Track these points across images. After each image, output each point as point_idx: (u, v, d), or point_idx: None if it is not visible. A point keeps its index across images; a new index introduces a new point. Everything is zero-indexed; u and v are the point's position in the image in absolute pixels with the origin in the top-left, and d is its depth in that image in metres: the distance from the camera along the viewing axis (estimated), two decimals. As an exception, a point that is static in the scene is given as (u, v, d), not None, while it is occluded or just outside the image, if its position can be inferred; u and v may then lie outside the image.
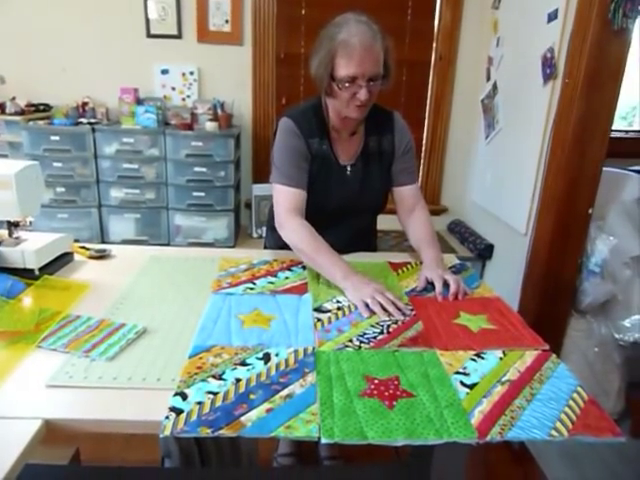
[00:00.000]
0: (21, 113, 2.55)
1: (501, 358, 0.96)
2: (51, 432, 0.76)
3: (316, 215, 1.40)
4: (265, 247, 1.65)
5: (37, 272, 1.23)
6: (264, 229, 1.76)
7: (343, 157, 1.44)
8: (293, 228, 1.32)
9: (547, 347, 1.00)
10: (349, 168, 1.44)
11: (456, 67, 2.82)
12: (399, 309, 1.12)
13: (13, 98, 2.58)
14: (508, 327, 1.08)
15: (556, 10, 1.93)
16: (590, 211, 1.91)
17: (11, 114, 2.52)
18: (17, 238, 1.27)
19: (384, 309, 1.11)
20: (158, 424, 0.74)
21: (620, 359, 2.04)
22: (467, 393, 0.85)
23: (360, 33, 1.23)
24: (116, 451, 1.80)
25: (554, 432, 0.77)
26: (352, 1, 2.67)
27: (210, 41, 2.72)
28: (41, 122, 2.54)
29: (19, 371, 0.87)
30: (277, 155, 1.39)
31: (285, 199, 1.35)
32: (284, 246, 1.41)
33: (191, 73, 2.78)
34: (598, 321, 2.05)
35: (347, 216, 1.46)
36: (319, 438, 0.73)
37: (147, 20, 2.69)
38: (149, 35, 2.71)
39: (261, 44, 2.71)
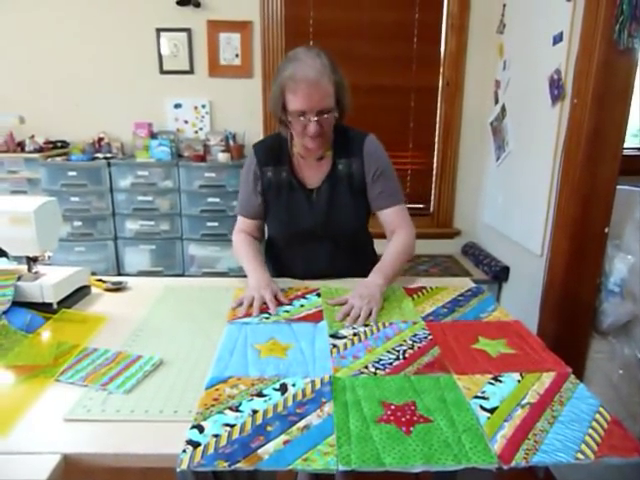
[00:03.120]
0: (40, 150, 2.62)
1: (519, 381, 0.94)
2: (69, 467, 0.75)
3: (290, 239, 1.52)
4: None
5: (55, 306, 1.24)
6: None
7: (310, 181, 1.48)
8: (235, 241, 1.52)
9: (570, 370, 0.98)
10: (315, 192, 1.47)
11: (464, 91, 2.85)
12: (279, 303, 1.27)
13: (32, 136, 2.65)
14: (528, 351, 1.06)
15: (561, 33, 1.95)
16: (606, 230, 1.89)
17: (30, 152, 2.60)
18: (36, 273, 1.29)
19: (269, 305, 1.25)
20: (175, 457, 0.73)
21: (646, 381, 1.99)
22: (488, 417, 0.83)
23: (306, 68, 1.28)
24: (133, 485, 1.78)
25: (580, 455, 0.75)
26: (358, 32, 2.77)
27: (221, 75, 2.80)
28: (59, 158, 2.61)
29: (38, 405, 0.87)
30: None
31: (238, 224, 1.55)
32: (283, 274, 1.54)
33: (203, 106, 2.84)
34: (621, 342, 2.00)
35: (320, 239, 1.48)
36: (337, 470, 0.72)
37: (160, 56, 2.77)
38: (162, 71, 2.79)
39: (270, 76, 2.76)
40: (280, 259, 1.61)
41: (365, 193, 1.48)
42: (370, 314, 1.21)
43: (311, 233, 1.47)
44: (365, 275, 1.39)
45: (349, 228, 1.50)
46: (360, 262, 1.54)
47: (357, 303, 1.23)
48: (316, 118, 1.30)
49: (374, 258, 1.66)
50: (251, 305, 1.26)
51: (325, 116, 1.31)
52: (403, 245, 1.44)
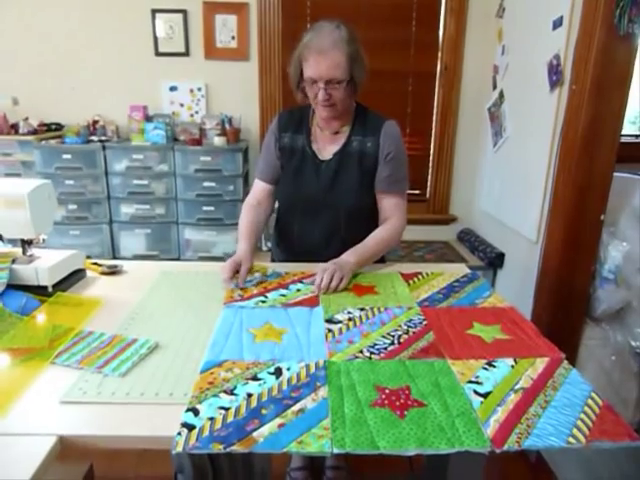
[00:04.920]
0: (34, 133, 2.59)
1: (513, 366, 0.95)
2: (65, 448, 0.76)
3: (292, 204, 1.56)
4: (272, 261, 1.71)
5: (50, 289, 1.24)
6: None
7: (323, 153, 1.51)
8: (242, 208, 1.58)
9: (563, 356, 0.99)
10: (325, 163, 1.50)
11: (462, 76, 2.83)
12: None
13: (26, 118, 2.62)
14: (522, 337, 1.07)
15: (561, 17, 1.93)
16: (602, 217, 1.89)
17: (24, 134, 2.57)
18: (31, 256, 1.29)
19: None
20: (171, 440, 0.73)
21: (637, 367, 2.01)
22: (481, 402, 0.84)
23: (322, 37, 1.34)
24: (129, 466, 1.80)
25: (571, 439, 0.76)
26: (356, 14, 2.73)
27: (217, 57, 2.76)
28: (53, 141, 2.58)
29: (33, 388, 0.87)
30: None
31: (252, 189, 1.62)
32: (289, 259, 1.59)
33: (199, 89, 2.81)
34: (614, 329, 2.02)
35: (320, 210, 1.50)
36: (332, 453, 0.72)
37: (155, 39, 2.73)
38: (157, 53, 2.76)
39: (267, 59, 2.74)
40: (282, 229, 1.65)
41: (374, 175, 1.50)
42: (341, 281, 1.29)
43: (313, 202, 1.50)
44: None
45: (351, 203, 1.51)
46: (352, 243, 1.54)
47: (327, 273, 1.29)
48: (324, 86, 1.34)
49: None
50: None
51: (335, 86, 1.35)
52: (390, 233, 1.49)
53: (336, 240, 1.51)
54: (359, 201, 1.51)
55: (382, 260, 1.63)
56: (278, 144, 1.53)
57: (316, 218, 1.52)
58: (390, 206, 1.52)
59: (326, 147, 1.52)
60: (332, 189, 1.49)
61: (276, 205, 1.64)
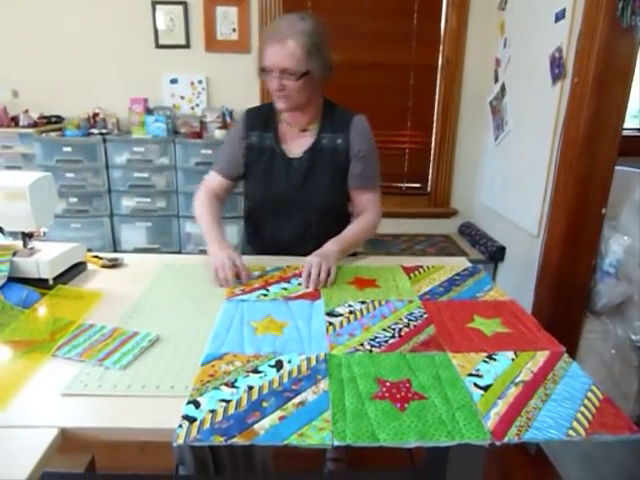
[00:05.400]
0: (34, 125, 2.59)
1: (513, 359, 0.95)
2: (67, 440, 0.76)
3: (264, 205, 1.55)
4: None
5: (51, 282, 1.24)
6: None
7: (292, 151, 1.50)
8: (198, 198, 1.54)
9: (564, 349, 0.99)
10: (295, 161, 1.49)
11: (463, 70, 2.81)
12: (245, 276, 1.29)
13: (26, 111, 2.62)
14: (523, 330, 1.07)
15: (564, 10, 1.92)
16: (603, 211, 1.89)
17: (24, 126, 2.56)
18: (31, 249, 1.29)
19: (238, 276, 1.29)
20: (172, 432, 0.74)
21: (638, 361, 2.01)
22: (482, 395, 0.84)
23: (282, 27, 1.33)
24: (131, 459, 1.81)
25: (571, 432, 0.76)
26: (358, 7, 2.72)
27: (218, 50, 2.75)
28: (53, 134, 2.57)
29: (35, 380, 0.87)
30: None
31: (207, 177, 1.59)
32: (254, 244, 1.63)
33: (199, 82, 2.80)
34: (614, 322, 2.02)
35: (292, 208, 1.50)
36: (332, 445, 0.73)
37: (156, 31, 2.72)
38: (158, 46, 2.74)
39: (268, 51, 2.72)
40: (253, 228, 1.64)
41: (346, 171, 1.50)
42: (329, 274, 1.29)
43: (285, 200, 1.49)
44: None
45: (323, 200, 1.50)
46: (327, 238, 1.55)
47: (314, 267, 1.28)
48: (278, 75, 1.33)
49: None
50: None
51: (289, 77, 1.33)
52: (366, 225, 1.50)
53: (309, 237, 1.51)
54: (332, 198, 1.51)
55: (354, 254, 1.62)
56: (245, 142, 1.51)
57: (288, 216, 1.51)
58: (365, 201, 1.53)
59: (295, 145, 1.50)
60: (304, 187, 1.48)
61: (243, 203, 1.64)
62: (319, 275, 1.28)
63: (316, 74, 1.38)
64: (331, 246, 1.38)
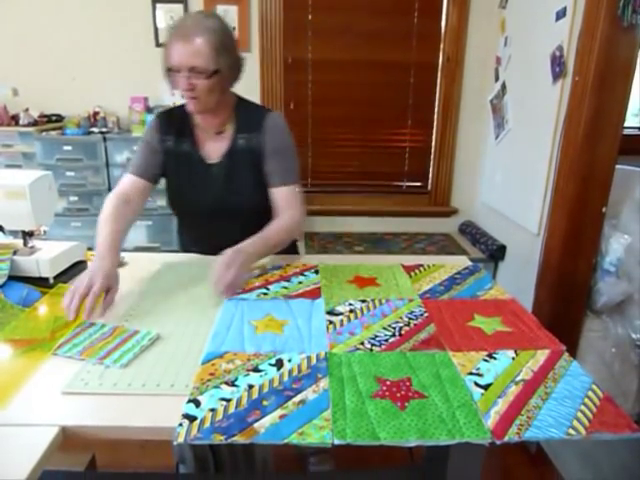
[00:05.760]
0: (34, 124, 2.58)
1: (513, 358, 0.95)
2: (68, 439, 0.76)
3: (193, 215, 1.49)
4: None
5: (52, 280, 1.24)
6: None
7: (210, 156, 1.45)
8: (106, 207, 1.35)
9: (564, 348, 0.99)
10: (214, 167, 1.44)
11: (464, 68, 2.80)
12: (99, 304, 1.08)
13: (26, 109, 2.61)
14: (523, 329, 1.07)
15: (564, 8, 1.92)
16: (604, 210, 1.89)
17: (24, 125, 2.56)
18: (32, 247, 1.29)
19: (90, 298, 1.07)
20: (172, 431, 0.74)
21: (638, 359, 2.01)
22: (482, 394, 0.84)
23: (185, 25, 1.28)
24: (131, 457, 1.81)
25: (571, 431, 0.76)
26: (358, 5, 2.71)
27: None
28: (54, 132, 2.57)
29: (35, 379, 0.88)
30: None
31: (120, 183, 1.44)
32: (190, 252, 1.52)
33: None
34: (614, 321, 2.02)
35: (221, 216, 1.42)
36: (332, 444, 0.73)
37: (156, 29, 2.71)
38: (158, 44, 2.74)
39: (268, 50, 2.72)
40: (186, 235, 1.61)
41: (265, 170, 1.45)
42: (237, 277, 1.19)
43: (211, 209, 1.44)
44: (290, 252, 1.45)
45: (249, 204, 1.45)
46: None
47: (219, 266, 1.18)
48: (186, 74, 1.28)
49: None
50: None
51: (198, 76, 1.28)
52: (287, 223, 1.39)
53: (239, 242, 1.40)
54: (259, 201, 1.45)
55: (293, 252, 1.61)
56: (161, 147, 1.45)
57: (215, 223, 1.44)
58: (282, 198, 1.43)
59: (212, 149, 1.45)
60: (227, 193, 1.42)
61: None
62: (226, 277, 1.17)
63: (226, 73, 1.33)
64: (248, 247, 1.26)
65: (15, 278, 1.21)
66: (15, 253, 1.24)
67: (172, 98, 2.80)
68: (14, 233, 1.38)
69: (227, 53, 1.31)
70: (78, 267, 1.35)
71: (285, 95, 2.80)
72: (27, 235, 1.28)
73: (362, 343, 1.00)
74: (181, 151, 1.45)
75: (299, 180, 1.48)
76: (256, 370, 0.90)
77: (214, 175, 1.44)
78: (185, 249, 1.61)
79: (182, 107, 1.43)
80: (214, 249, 1.40)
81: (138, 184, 1.43)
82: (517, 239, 2.39)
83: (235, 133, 1.44)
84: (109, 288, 1.12)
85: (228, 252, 1.21)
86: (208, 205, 1.44)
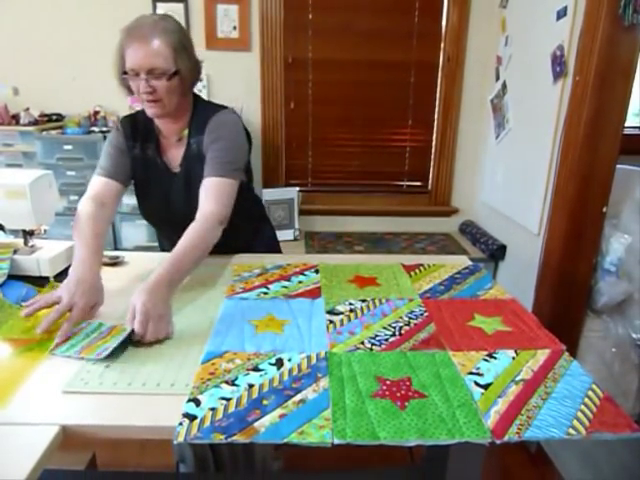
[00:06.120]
0: (35, 123, 2.58)
1: (514, 358, 0.95)
2: (68, 438, 0.76)
3: (162, 222, 1.45)
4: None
5: (52, 279, 1.24)
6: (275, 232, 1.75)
7: (173, 163, 1.41)
8: (80, 212, 1.27)
9: (564, 348, 0.99)
10: (176, 175, 1.40)
11: (464, 67, 2.80)
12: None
13: (27, 109, 2.61)
14: (523, 329, 1.07)
15: (565, 7, 1.91)
16: (604, 210, 1.89)
17: (25, 124, 2.56)
18: (32, 246, 1.29)
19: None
20: (172, 430, 0.74)
21: (638, 359, 2.01)
22: (482, 393, 0.84)
23: (140, 26, 1.24)
24: (132, 456, 1.81)
25: (572, 430, 0.76)
26: (358, 4, 2.71)
27: (218, 48, 2.74)
28: (54, 132, 2.57)
29: (35, 378, 0.88)
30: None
31: (91, 186, 1.36)
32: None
33: (200, 80, 2.79)
34: (615, 321, 2.02)
35: (186, 224, 1.23)
36: (332, 444, 0.73)
37: (156, 28, 2.71)
38: (158, 43, 2.73)
39: (269, 49, 2.72)
40: (163, 243, 1.59)
41: None
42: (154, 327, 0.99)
43: (176, 216, 1.35)
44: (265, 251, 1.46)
45: None
46: (248, 241, 1.52)
47: (137, 322, 0.98)
48: (145, 77, 1.23)
49: (270, 233, 1.66)
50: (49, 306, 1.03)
51: (158, 77, 1.23)
52: (198, 236, 1.20)
53: (219, 242, 1.30)
54: None
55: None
56: (130, 152, 1.40)
57: (182, 232, 1.25)
58: (206, 190, 1.27)
59: (174, 156, 1.40)
60: (189, 201, 1.31)
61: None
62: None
63: (186, 74, 1.29)
64: (161, 286, 1.05)
65: (15, 277, 1.21)
66: (15, 252, 1.24)
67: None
68: (15, 232, 1.38)
69: (186, 54, 1.29)
70: (78, 266, 1.35)
71: (285, 94, 2.80)
72: (27, 234, 1.29)
73: (362, 343, 1.00)
74: (147, 157, 1.41)
75: (237, 177, 1.33)
76: (256, 369, 0.90)
77: (176, 184, 1.39)
78: (163, 250, 1.59)
79: (144, 112, 1.35)
80: None
81: (111, 186, 1.36)
82: (517, 239, 2.39)
83: (189, 138, 1.38)
84: (94, 304, 1.07)
85: (141, 299, 1.00)
86: (173, 213, 1.40)
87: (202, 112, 1.39)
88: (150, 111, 1.30)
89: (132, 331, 0.98)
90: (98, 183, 1.36)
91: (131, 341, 0.98)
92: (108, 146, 1.40)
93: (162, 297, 1.04)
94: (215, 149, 1.32)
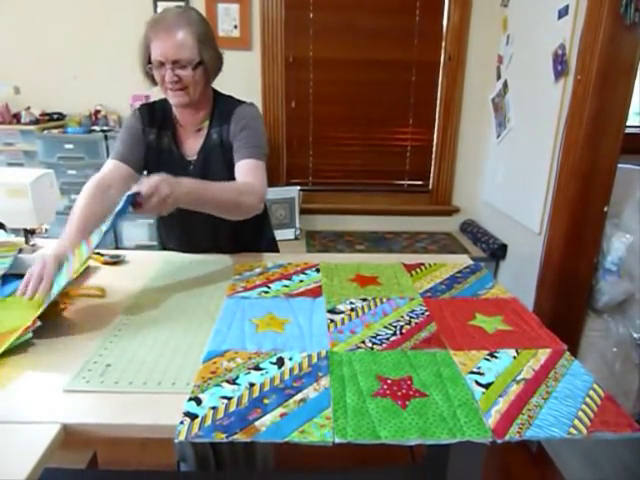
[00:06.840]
0: (36, 122, 2.59)
1: (515, 357, 0.95)
2: (69, 436, 0.76)
3: (174, 216, 1.39)
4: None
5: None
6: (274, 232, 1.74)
7: (189, 152, 1.44)
8: (83, 191, 1.30)
9: (565, 347, 0.99)
10: (192, 164, 1.43)
11: (465, 66, 2.80)
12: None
13: (28, 108, 2.62)
14: (524, 328, 1.07)
15: (567, 6, 1.91)
16: (605, 209, 1.89)
17: (26, 123, 2.57)
18: (33, 245, 1.29)
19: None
20: (173, 429, 0.74)
21: (639, 359, 2.01)
22: (483, 393, 0.84)
23: (165, 17, 1.28)
24: (133, 455, 1.81)
25: (573, 430, 0.76)
26: (359, 3, 2.71)
27: (219, 46, 2.73)
28: (55, 131, 2.57)
29: (36, 376, 0.88)
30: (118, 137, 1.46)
31: (103, 169, 1.38)
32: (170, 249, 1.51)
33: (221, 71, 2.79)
34: (616, 320, 2.02)
35: (199, 213, 1.25)
36: (333, 443, 0.73)
37: (157, 27, 2.71)
38: (159, 42, 2.73)
39: (270, 48, 2.72)
40: (165, 229, 1.59)
41: None
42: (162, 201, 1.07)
43: (187, 211, 1.35)
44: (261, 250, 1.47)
45: None
46: (249, 238, 1.52)
47: (146, 191, 1.05)
48: (171, 66, 1.27)
49: (269, 235, 1.65)
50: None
51: (184, 67, 1.28)
52: (240, 186, 1.28)
53: (222, 237, 1.41)
54: None
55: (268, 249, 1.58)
56: (145, 138, 1.43)
57: (195, 221, 1.38)
58: (244, 169, 1.33)
59: (191, 146, 1.44)
60: None
61: None
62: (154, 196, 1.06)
63: (209, 65, 1.34)
64: (180, 183, 1.12)
65: (15, 276, 1.21)
66: (21, 251, 1.24)
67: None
68: (16, 231, 1.38)
69: (209, 45, 1.33)
70: (79, 265, 1.35)
71: (286, 94, 2.80)
72: (29, 233, 1.29)
73: (363, 342, 1.00)
74: (162, 147, 1.44)
75: (265, 160, 1.39)
76: (257, 368, 0.90)
77: (192, 173, 1.39)
78: (163, 245, 1.61)
79: (163, 102, 1.43)
80: (189, 246, 1.43)
81: (122, 170, 1.38)
82: (518, 238, 2.39)
83: (209, 128, 1.42)
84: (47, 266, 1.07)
85: (163, 176, 1.08)
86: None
87: (224, 104, 1.44)
88: (175, 100, 1.34)
89: (132, 197, 1.02)
90: (110, 166, 1.39)
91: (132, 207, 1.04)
92: (124, 131, 1.44)
93: (177, 191, 1.09)
94: (245, 135, 1.37)
